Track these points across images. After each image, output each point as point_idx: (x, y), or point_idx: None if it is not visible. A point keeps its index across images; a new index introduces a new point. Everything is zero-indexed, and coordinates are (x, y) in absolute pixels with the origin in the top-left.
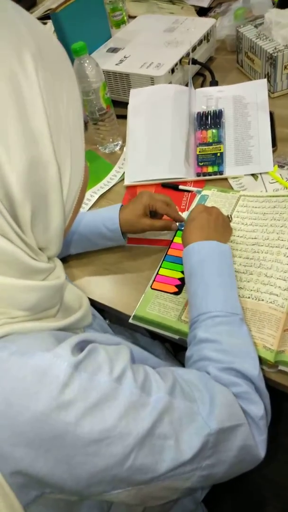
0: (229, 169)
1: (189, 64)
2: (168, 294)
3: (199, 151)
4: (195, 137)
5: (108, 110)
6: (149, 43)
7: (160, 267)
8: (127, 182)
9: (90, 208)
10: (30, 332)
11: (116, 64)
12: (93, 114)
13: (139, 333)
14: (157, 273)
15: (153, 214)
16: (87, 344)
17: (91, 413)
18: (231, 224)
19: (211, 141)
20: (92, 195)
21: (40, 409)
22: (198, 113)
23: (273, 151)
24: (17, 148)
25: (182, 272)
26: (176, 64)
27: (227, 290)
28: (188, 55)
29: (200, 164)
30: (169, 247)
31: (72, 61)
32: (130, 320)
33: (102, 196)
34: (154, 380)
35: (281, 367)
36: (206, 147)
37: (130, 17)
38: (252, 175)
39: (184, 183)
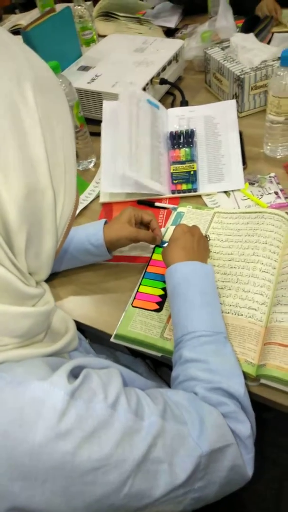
0: (203, 187)
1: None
2: (150, 312)
3: (173, 169)
4: (169, 156)
5: (82, 128)
6: (119, 62)
7: (140, 284)
8: (102, 199)
9: None
10: (22, 360)
11: (88, 83)
12: None
13: (119, 351)
14: (137, 291)
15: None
16: (80, 369)
17: (88, 441)
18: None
19: (184, 159)
20: None
21: (38, 440)
22: (171, 133)
23: (243, 169)
24: (15, 176)
25: (162, 289)
26: (147, 84)
27: (211, 309)
28: (159, 74)
29: (174, 181)
30: (148, 264)
31: None
32: (112, 339)
33: (79, 214)
34: (146, 404)
35: (263, 381)
36: (180, 165)
37: (99, 36)
38: (225, 192)
39: (160, 200)
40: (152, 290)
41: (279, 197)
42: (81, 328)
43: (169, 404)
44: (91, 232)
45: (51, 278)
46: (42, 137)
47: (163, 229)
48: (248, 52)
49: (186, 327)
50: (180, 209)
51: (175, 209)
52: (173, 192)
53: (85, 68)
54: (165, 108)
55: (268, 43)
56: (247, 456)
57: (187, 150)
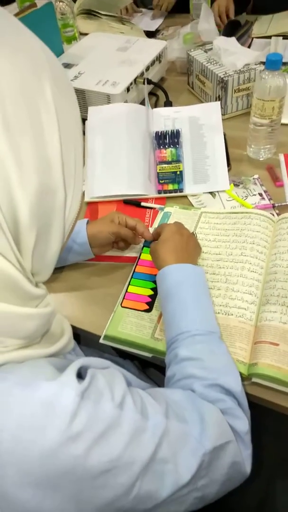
0: (189, 187)
1: (144, 83)
2: (139, 312)
3: (159, 169)
4: (155, 156)
5: None
6: (103, 61)
7: (129, 284)
8: (87, 198)
9: None
10: (25, 361)
11: (71, 80)
12: None
13: (107, 353)
14: (126, 291)
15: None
16: (84, 369)
17: (98, 444)
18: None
19: (170, 159)
20: None
21: (48, 444)
22: (157, 133)
23: (228, 171)
24: (31, 174)
25: (152, 289)
26: (131, 83)
27: (204, 310)
28: (142, 74)
29: (160, 181)
30: (136, 264)
31: None
32: (101, 340)
33: None
34: (149, 404)
35: (254, 379)
36: (166, 166)
37: (81, 34)
38: (210, 193)
39: (146, 200)
40: (142, 290)
41: (263, 198)
42: None
43: (169, 403)
44: (74, 230)
45: None
46: (59, 133)
47: (150, 229)
48: (231, 55)
49: (180, 327)
50: (167, 209)
51: (162, 209)
52: (159, 192)
53: (67, 66)
54: (151, 108)
55: (249, 47)
56: (246, 452)
57: (173, 150)
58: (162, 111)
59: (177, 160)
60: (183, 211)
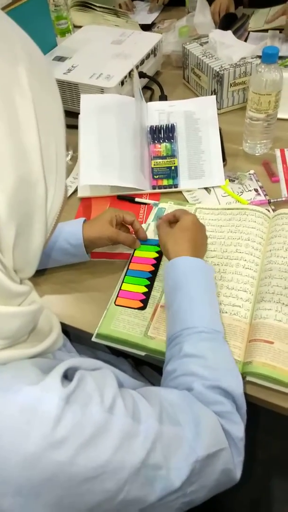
0: (183, 183)
1: (136, 76)
2: (133, 310)
3: (154, 164)
4: (149, 150)
5: None
6: (96, 54)
7: (123, 282)
8: (80, 194)
9: None
10: (8, 362)
11: (65, 73)
12: None
13: (100, 350)
14: (120, 289)
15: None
16: (72, 371)
17: (85, 449)
18: None
19: (164, 154)
20: None
21: (30, 450)
22: (151, 127)
23: (223, 166)
24: (6, 166)
25: (146, 286)
26: (125, 77)
27: (212, 308)
28: (137, 68)
29: (155, 177)
30: (130, 261)
31: None
32: (93, 339)
33: None
34: (142, 406)
35: (249, 378)
36: (161, 160)
37: (75, 26)
38: (205, 188)
39: (140, 195)
40: (136, 287)
41: (259, 194)
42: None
43: (164, 404)
44: (69, 231)
45: None
46: (36, 124)
47: (144, 225)
48: (227, 48)
49: (186, 322)
50: (161, 205)
51: (156, 204)
52: (154, 187)
53: (60, 59)
54: (145, 101)
55: (245, 41)
56: (238, 458)
57: (168, 145)
58: (157, 105)
59: (172, 155)
60: (178, 207)
